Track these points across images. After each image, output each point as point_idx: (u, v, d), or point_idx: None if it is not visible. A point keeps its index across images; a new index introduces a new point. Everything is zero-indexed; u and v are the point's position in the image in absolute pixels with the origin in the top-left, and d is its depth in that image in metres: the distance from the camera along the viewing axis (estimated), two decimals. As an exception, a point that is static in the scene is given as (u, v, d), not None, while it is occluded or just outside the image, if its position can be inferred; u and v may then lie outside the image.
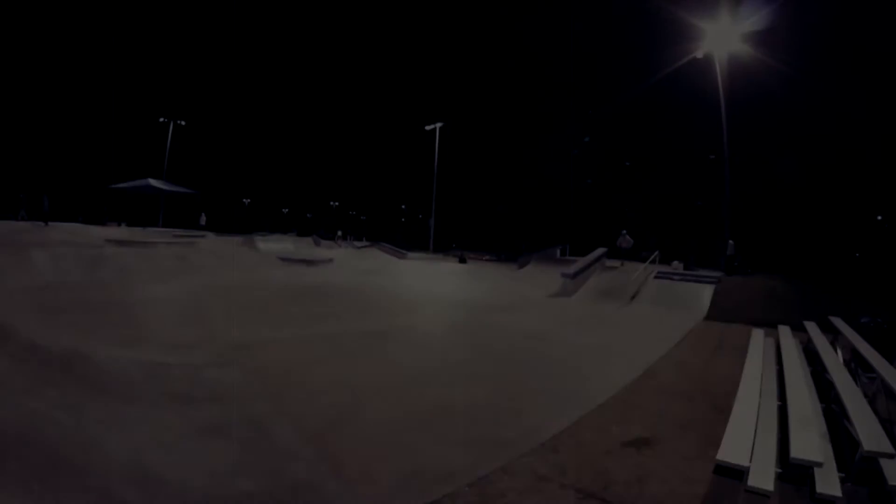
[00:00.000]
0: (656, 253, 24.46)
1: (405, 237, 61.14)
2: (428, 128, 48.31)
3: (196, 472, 5.64)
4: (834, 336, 12.41)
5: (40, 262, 17.09)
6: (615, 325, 15.23)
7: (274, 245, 32.70)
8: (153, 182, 35.88)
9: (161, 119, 48.09)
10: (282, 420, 7.41)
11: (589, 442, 7.25)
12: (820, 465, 6.01)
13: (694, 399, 8.94)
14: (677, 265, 25.48)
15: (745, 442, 6.51)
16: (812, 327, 12.91)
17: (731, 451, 6.26)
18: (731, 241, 23.81)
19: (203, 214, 42.12)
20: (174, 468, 5.58)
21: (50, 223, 26.53)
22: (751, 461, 6.16)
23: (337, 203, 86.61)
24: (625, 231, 27.32)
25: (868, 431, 6.29)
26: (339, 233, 58.01)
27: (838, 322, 12.87)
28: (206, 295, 16.47)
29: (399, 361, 10.72)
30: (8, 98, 50.46)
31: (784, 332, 12.95)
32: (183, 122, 48.58)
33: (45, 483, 4.68)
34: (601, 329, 14.47)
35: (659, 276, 21.58)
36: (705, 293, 18.70)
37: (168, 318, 12.90)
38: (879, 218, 44.13)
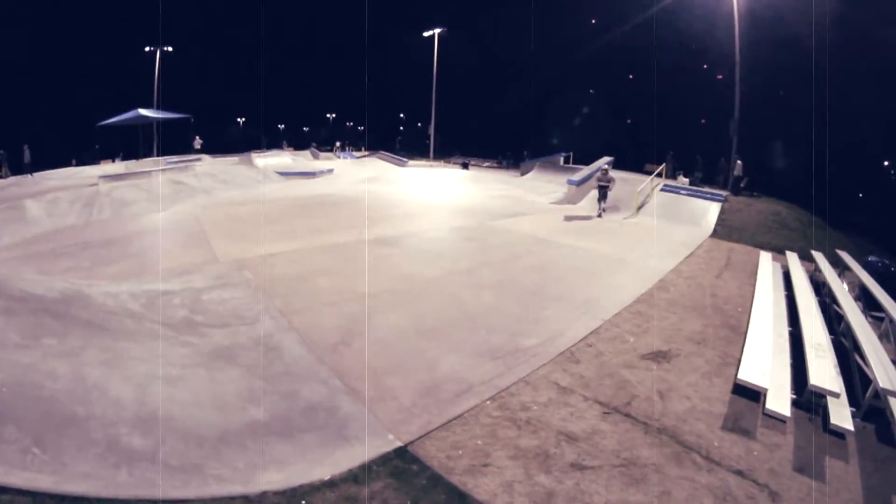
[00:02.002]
0: (662, 166, 23.41)
1: (404, 146, 59.87)
2: (426, 34, 46.22)
3: (205, 405, 5.40)
4: (841, 270, 12.32)
5: (35, 212, 16.49)
6: (622, 235, 14.94)
7: (272, 160, 31.77)
8: (143, 112, 34.75)
9: (147, 48, 46.39)
10: (291, 338, 7.18)
11: (608, 353, 7.14)
12: (837, 395, 5.98)
13: (706, 314, 8.81)
14: (683, 180, 24.49)
15: (762, 364, 6.47)
16: (820, 258, 12.80)
17: (751, 372, 6.26)
18: (739, 161, 22.71)
19: (197, 138, 41.09)
20: (181, 405, 5.32)
21: (35, 173, 25.78)
22: (768, 384, 6.11)
23: (334, 115, 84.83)
24: (607, 165, 20.63)
25: (883, 369, 6.19)
26: (337, 143, 57.00)
27: (846, 256, 12.85)
28: (206, 217, 16.08)
29: (407, 269, 10.46)
30: None
31: (792, 258, 12.88)
32: (170, 49, 46.87)
33: (47, 445, 4.39)
34: (609, 238, 14.23)
35: (665, 189, 20.95)
36: (712, 210, 18.30)
37: (168, 244, 12.54)
38: (886, 164, 43.18)
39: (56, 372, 5.38)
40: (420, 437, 5.18)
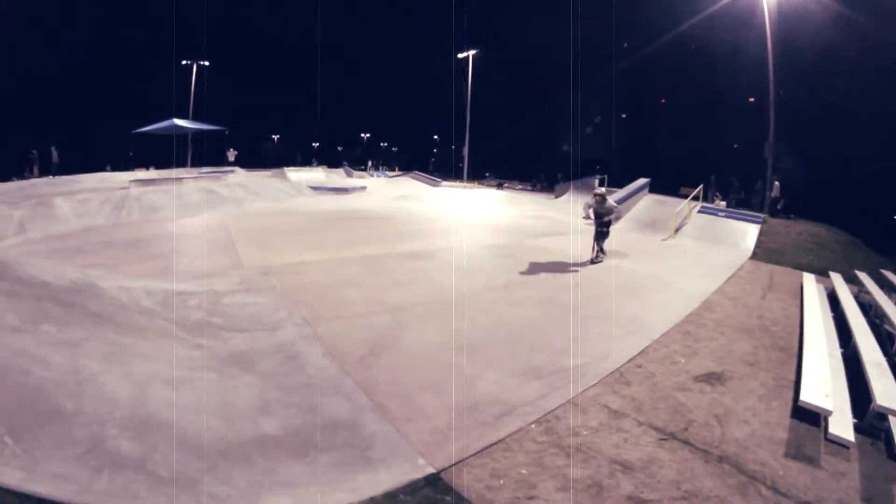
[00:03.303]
0: (699, 188, 22.81)
1: (438, 167, 60.04)
2: (460, 56, 46.45)
3: (210, 413, 4.84)
4: (888, 291, 11.95)
5: (64, 210, 16.53)
6: (662, 255, 14.56)
7: (305, 175, 31.89)
8: (178, 122, 35.11)
9: (184, 62, 47.24)
10: (314, 348, 6.67)
11: (659, 374, 6.66)
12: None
13: (755, 336, 8.38)
14: (720, 203, 23.88)
15: (823, 386, 6.03)
16: (866, 278, 12.61)
17: (813, 394, 5.81)
18: (777, 182, 22.26)
19: (231, 150, 41.36)
20: (183, 410, 4.77)
21: (67, 176, 25.98)
22: (832, 407, 5.66)
23: (368, 135, 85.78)
24: (602, 188, 16.83)
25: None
26: (370, 162, 57.33)
27: (894, 277, 12.72)
28: (234, 225, 15.86)
29: (441, 283, 9.99)
30: (23, 54, 49.81)
31: (837, 279, 12.67)
32: (206, 63, 47.69)
33: (22, 438, 3.88)
34: (649, 259, 13.88)
35: (703, 211, 20.47)
36: (751, 232, 17.86)
37: (194, 249, 12.30)
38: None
39: (49, 360, 4.92)
40: (455, 464, 4.55)
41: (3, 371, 4.53)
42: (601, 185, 29.28)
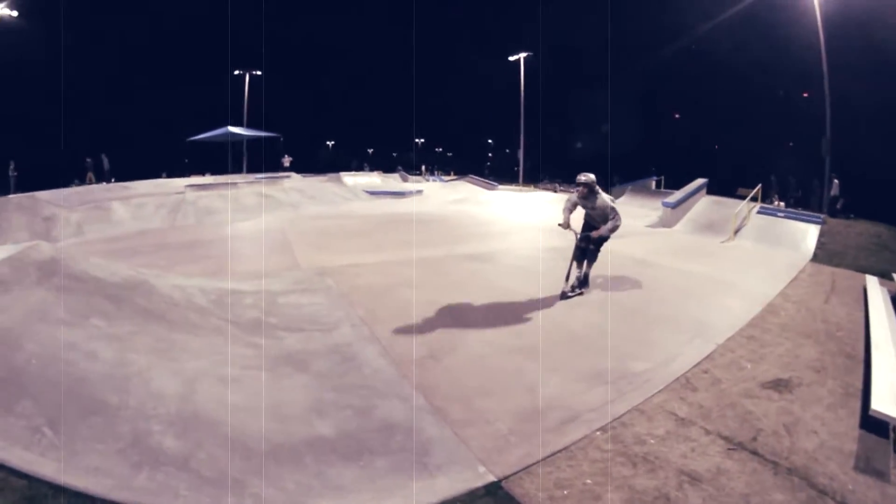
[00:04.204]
0: (758, 188, 22.03)
1: (493, 171, 59.80)
2: (512, 58, 46.19)
3: (260, 412, 4.71)
4: None
5: (120, 214, 17.10)
6: (722, 257, 13.93)
7: (361, 180, 32.26)
8: (233, 129, 35.90)
9: (236, 72, 48.42)
10: (372, 348, 6.48)
11: (726, 380, 6.31)
12: None
13: (820, 341, 7.87)
14: (779, 203, 22.99)
15: (894, 395, 5.57)
16: None
17: (886, 403, 5.38)
18: (836, 181, 21.33)
19: (286, 157, 42.08)
20: (232, 409, 4.66)
21: (123, 182, 26.93)
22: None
23: (422, 140, 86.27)
24: (585, 178, 9.65)
25: None
26: (424, 167, 57.54)
27: None
28: (291, 228, 15.95)
29: (502, 285, 9.72)
30: (81, 63, 51.74)
31: None
32: (259, 73, 48.77)
33: (62, 429, 3.83)
34: (709, 261, 13.26)
35: (762, 212, 19.72)
36: (810, 233, 17.00)
37: (250, 250, 12.42)
38: None
39: (96, 354, 4.90)
40: (518, 472, 4.26)
41: (48, 362, 4.52)
42: (658, 186, 28.71)
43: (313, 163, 53.44)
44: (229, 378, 5.16)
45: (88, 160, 30.84)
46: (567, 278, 9.08)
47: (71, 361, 4.65)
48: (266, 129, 40.25)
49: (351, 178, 31.07)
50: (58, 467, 3.48)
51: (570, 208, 9.34)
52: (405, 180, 40.24)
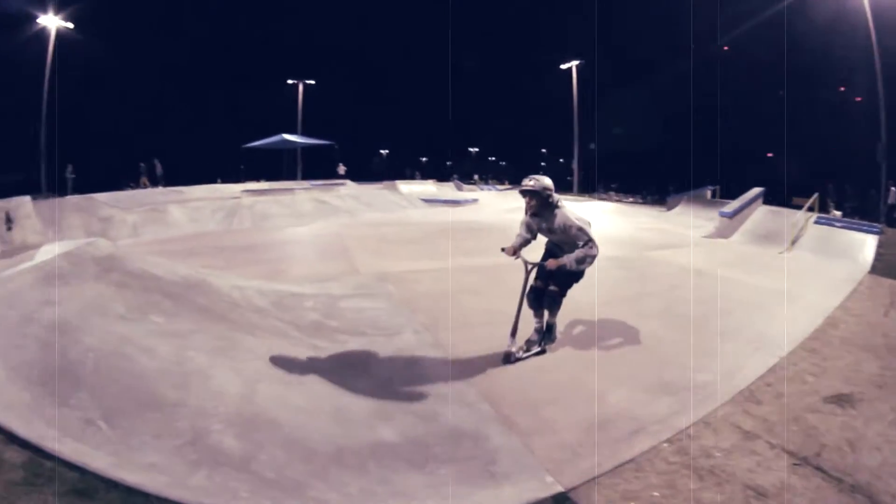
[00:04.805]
0: (814, 197, 21.37)
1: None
2: (563, 66, 46.04)
3: (323, 415, 4.65)
4: None
5: (176, 217, 17.51)
6: (780, 269, 13.45)
7: (416, 188, 32.50)
8: (287, 137, 36.52)
9: (289, 81, 49.39)
10: (435, 354, 6.38)
11: (789, 394, 6.10)
12: None
13: (881, 356, 7.56)
14: (836, 213, 22.24)
15: None
16: None
17: None
18: (893, 189, 20.53)
19: (341, 165, 42.53)
20: (294, 410, 4.62)
21: (180, 187, 27.71)
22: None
23: (477, 149, 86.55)
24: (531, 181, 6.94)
25: None
26: (476, 177, 57.67)
27: None
28: (348, 233, 16.04)
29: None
30: (136, 70, 53.49)
31: None
32: (312, 82, 49.67)
33: (117, 423, 3.83)
34: (768, 272, 12.86)
35: (819, 221, 19.09)
36: (868, 243, 16.28)
37: (306, 254, 12.50)
38: None
39: (155, 350, 4.93)
40: (585, 483, 4.13)
41: (105, 356, 4.56)
42: (714, 196, 28.09)
43: (367, 171, 54.10)
44: (291, 380, 5.12)
45: (142, 165, 32.07)
46: (512, 332, 6.39)
47: (128, 356, 4.68)
48: (321, 137, 40.83)
49: (406, 186, 31.33)
50: (111, 461, 3.46)
51: (526, 231, 7.08)
52: (460, 189, 40.33)
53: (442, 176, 53.50)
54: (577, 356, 6.68)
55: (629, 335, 7.56)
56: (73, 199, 18.25)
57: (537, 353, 6.65)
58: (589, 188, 46.40)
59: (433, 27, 78.12)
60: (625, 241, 17.12)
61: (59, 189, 28.21)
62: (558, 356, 6.64)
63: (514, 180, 56.53)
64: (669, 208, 28.77)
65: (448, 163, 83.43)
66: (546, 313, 6.87)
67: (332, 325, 6.94)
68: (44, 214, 14.97)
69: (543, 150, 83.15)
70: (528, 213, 6.91)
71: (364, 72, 72.16)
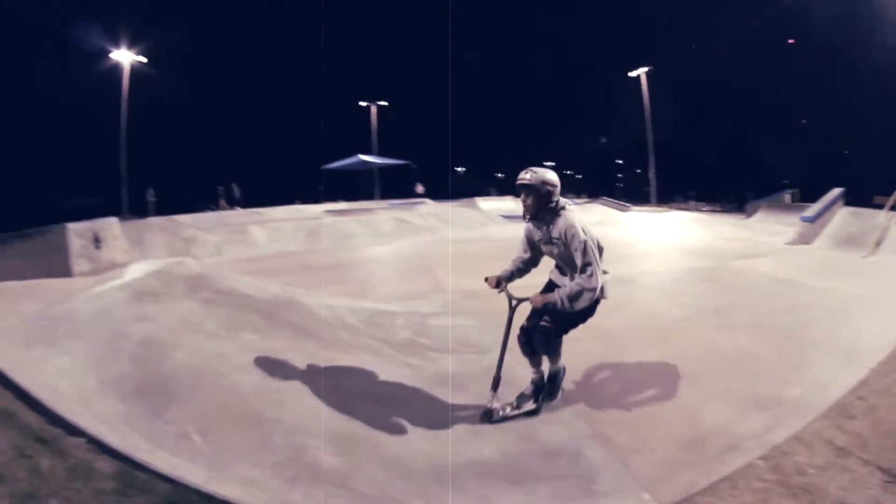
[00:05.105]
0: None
1: (625, 192, 58.68)
2: (632, 74, 45.14)
3: (420, 433, 4.66)
4: None
5: (258, 237, 17.96)
6: (866, 273, 12.68)
7: (496, 204, 32.48)
8: (364, 157, 37.16)
9: (361, 103, 50.46)
10: (527, 370, 6.10)
11: (882, 408, 5.72)
12: None
13: None
14: None
15: None
16: None
17: None
18: None
19: (419, 184, 42.93)
20: (391, 428, 4.63)
21: (258, 208, 28.53)
22: None
23: (553, 163, 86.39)
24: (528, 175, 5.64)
25: None
26: None
27: None
28: (431, 251, 16.13)
29: (649, 307, 9.39)
30: (213, 97, 55.69)
31: None
32: (385, 103, 50.64)
33: (213, 438, 3.94)
34: (853, 277, 12.15)
35: None
36: None
37: (391, 273, 12.60)
38: None
39: (249, 366, 5.03)
40: (682, 501, 4.04)
41: (198, 372, 4.70)
42: (793, 200, 27.03)
43: (445, 188, 54.47)
44: (386, 398, 5.13)
45: (220, 188, 33.27)
46: (494, 384, 5.26)
47: (222, 373, 4.78)
48: (396, 157, 41.40)
49: (486, 203, 31.51)
50: (207, 475, 3.52)
51: (525, 250, 5.85)
52: (538, 204, 40.15)
53: (518, 191, 53.54)
54: (669, 371, 6.53)
55: (718, 348, 7.36)
56: (155, 221, 18.98)
57: (528, 413, 5.33)
58: (667, 198, 45.47)
59: (502, 45, 78.72)
60: (706, 251, 16.80)
61: (140, 211, 29.59)
62: (652, 370, 6.53)
63: (591, 194, 56.05)
64: (749, 215, 28.00)
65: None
66: (545, 359, 5.67)
67: (423, 343, 6.93)
68: (128, 235, 15.59)
69: (619, 161, 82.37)
70: (526, 217, 5.72)
71: (437, 91, 73.04)
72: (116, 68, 35.26)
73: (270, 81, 64.02)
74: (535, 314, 5.66)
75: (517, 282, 5.76)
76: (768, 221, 23.32)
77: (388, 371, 5.78)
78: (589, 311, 5.65)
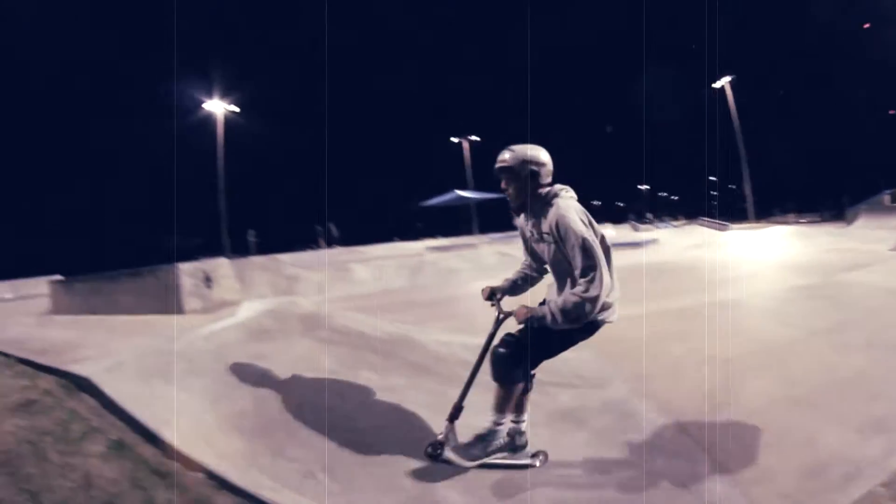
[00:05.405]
0: None
1: (721, 210, 56.86)
2: (716, 85, 44.10)
3: (543, 469, 4.65)
4: None
5: (361, 275, 18.31)
6: None
7: None
8: (461, 193, 37.52)
9: (452, 139, 51.24)
10: (647, 405, 6.14)
11: None
12: None
13: None
14: None
15: None
16: None
17: None
18: None
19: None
20: (517, 465, 4.63)
21: (357, 246, 29.34)
22: None
23: (647, 187, 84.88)
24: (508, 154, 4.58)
25: None
26: (649, 215, 56.48)
27: None
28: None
29: (760, 329, 9.03)
30: (307, 140, 57.98)
31: None
32: (477, 139, 51.27)
33: (339, 475, 4.08)
34: None
35: None
36: None
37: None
38: None
39: (371, 405, 5.18)
40: None
41: (319, 410, 4.84)
42: (892, 200, 25.58)
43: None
44: None
45: (319, 227, 34.52)
46: (451, 413, 4.52)
47: (344, 411, 4.90)
48: (492, 191, 41.61)
49: None
50: None
51: (526, 256, 5.22)
52: (636, 230, 39.80)
53: (616, 218, 52.64)
54: (786, 396, 6.18)
55: (832, 369, 6.92)
56: (257, 260, 19.63)
57: (507, 463, 4.51)
58: (765, 212, 43.74)
59: (587, 73, 78.32)
60: (811, 267, 16.13)
61: (241, 251, 30.93)
62: (769, 396, 6.21)
63: (689, 215, 54.51)
64: (849, 222, 27.00)
65: (620, 204, 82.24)
66: (517, 390, 4.71)
67: (540, 378, 6.74)
68: (234, 274, 16.20)
69: (712, 178, 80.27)
70: (513, 210, 4.73)
71: (525, 122, 73.55)
72: (210, 118, 37.71)
73: (362, 122, 66.02)
74: (510, 337, 4.83)
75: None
76: (869, 227, 22.69)
77: (509, 407, 5.70)
78: (578, 336, 4.61)
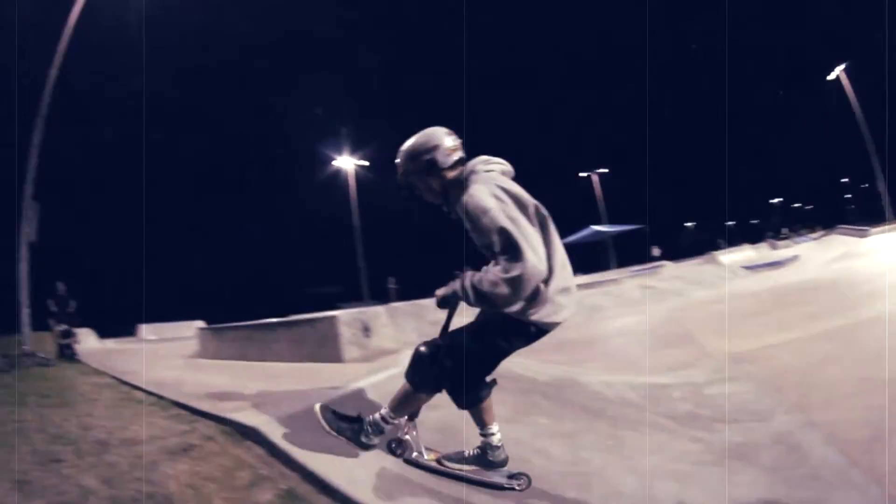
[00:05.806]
0: None
1: (859, 214, 52.65)
2: (831, 77, 41.31)
3: None
4: None
5: None
6: None
7: (735, 256, 31.82)
8: (597, 228, 37.39)
9: (581, 174, 51.25)
10: (813, 436, 5.87)
11: None
12: None
13: None
14: None
15: None
16: None
17: None
18: None
19: (655, 247, 42.06)
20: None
21: None
22: None
23: (780, 199, 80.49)
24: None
25: None
26: (786, 230, 53.54)
27: None
28: (682, 316, 15.62)
29: None
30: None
31: None
32: (607, 170, 51.09)
33: None
34: None
35: None
36: None
37: (651, 342, 12.26)
38: None
39: (549, 451, 5.29)
40: None
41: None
42: None
43: (678, 247, 52.71)
44: (683, 474, 5.11)
45: (456, 272, 35.42)
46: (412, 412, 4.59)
47: (525, 458, 5.00)
48: (625, 223, 41.05)
49: (726, 257, 30.74)
50: None
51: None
52: (774, 248, 37.92)
53: (751, 237, 50.11)
54: None
55: None
56: (400, 305, 20.20)
57: (480, 479, 4.46)
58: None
59: (704, 95, 75.80)
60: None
61: (381, 297, 31.97)
62: None
63: (825, 223, 50.80)
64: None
65: (753, 221, 78.35)
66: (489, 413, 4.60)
67: (705, 415, 6.84)
68: (391, 322, 16.83)
69: (844, 180, 74.93)
70: (445, 210, 4.34)
71: (653, 151, 72.05)
72: (341, 172, 40.33)
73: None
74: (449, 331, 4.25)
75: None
76: None
77: (678, 446, 5.75)
78: (516, 341, 4.31)
